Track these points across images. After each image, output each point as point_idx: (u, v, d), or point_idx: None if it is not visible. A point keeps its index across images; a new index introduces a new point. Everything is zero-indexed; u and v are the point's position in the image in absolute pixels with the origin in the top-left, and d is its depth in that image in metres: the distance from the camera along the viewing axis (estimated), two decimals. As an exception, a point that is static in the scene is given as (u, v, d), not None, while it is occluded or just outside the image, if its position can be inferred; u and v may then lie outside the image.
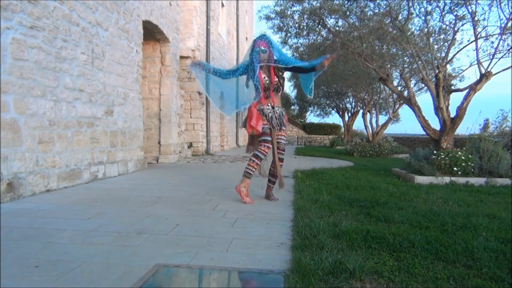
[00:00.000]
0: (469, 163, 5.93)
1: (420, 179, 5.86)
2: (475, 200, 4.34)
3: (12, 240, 2.51)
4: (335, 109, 25.85)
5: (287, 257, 2.26)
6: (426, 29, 7.87)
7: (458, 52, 7.67)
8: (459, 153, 6.03)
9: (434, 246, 2.44)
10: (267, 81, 4.01)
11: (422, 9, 7.54)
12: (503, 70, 6.57)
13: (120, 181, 5.58)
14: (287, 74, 3.93)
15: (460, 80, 12.75)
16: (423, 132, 7.58)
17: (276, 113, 4.04)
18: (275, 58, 3.99)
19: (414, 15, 7.71)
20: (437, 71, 7.01)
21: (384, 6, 7.89)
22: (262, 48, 3.95)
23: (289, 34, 9.99)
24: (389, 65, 9.74)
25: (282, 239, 2.66)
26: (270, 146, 3.99)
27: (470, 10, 6.71)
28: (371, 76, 13.32)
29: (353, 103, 22.41)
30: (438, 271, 2.06)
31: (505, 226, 3.02)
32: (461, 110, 6.76)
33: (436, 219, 3.19)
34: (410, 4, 7.30)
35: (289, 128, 29.02)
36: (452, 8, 7.15)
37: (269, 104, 4.05)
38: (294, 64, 4.10)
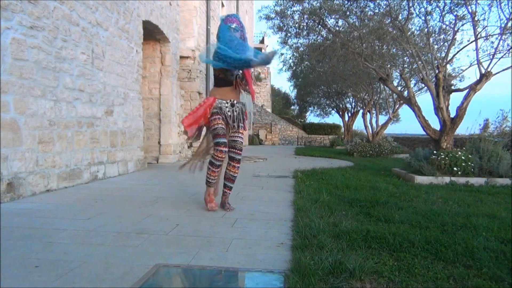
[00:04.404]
0: (469, 163, 5.93)
1: (420, 179, 5.86)
2: (475, 200, 4.34)
3: (12, 240, 2.51)
4: (335, 109, 25.81)
5: (287, 257, 2.26)
6: (426, 29, 7.86)
7: (458, 52, 7.66)
8: (459, 153, 6.02)
9: (434, 246, 2.44)
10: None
11: (422, 9, 7.53)
12: (503, 70, 6.56)
13: (120, 181, 5.58)
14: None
15: (460, 80, 12.72)
16: (423, 132, 7.57)
17: (236, 111, 3.52)
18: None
19: (414, 15, 7.71)
20: (437, 71, 7.01)
21: (384, 6, 7.89)
22: (234, 25, 3.38)
23: (289, 34, 10.00)
24: (389, 65, 9.74)
25: (282, 239, 2.66)
26: (225, 149, 3.46)
27: (470, 10, 6.71)
28: (371, 76, 13.31)
29: (353, 103, 22.38)
30: (438, 271, 2.06)
31: (505, 226, 3.02)
32: (461, 110, 6.76)
33: (436, 219, 3.19)
34: (410, 4, 7.29)
35: (289, 128, 29.01)
36: (452, 8, 7.14)
37: (229, 100, 3.49)
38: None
